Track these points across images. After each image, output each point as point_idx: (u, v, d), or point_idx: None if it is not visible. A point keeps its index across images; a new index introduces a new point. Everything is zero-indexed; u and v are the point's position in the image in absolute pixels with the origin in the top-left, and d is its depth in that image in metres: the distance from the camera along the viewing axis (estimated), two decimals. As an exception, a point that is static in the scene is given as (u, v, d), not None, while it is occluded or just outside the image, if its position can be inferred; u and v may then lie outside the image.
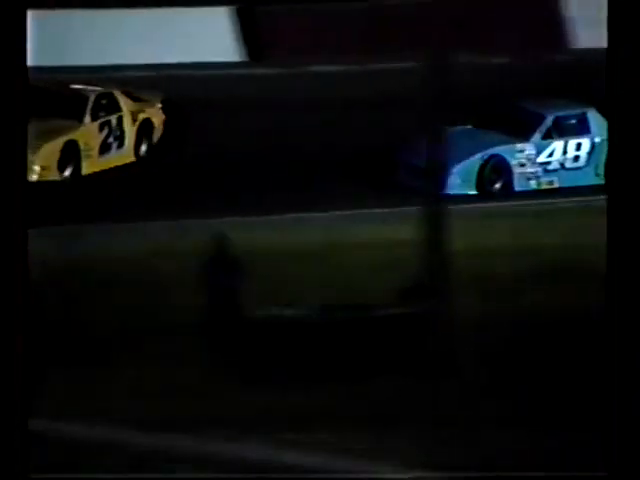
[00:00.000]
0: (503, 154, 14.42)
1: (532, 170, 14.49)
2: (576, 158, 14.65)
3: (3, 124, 7.08)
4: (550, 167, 14.60)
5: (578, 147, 14.70)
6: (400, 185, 14.69)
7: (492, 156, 14.39)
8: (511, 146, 14.54)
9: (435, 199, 10.63)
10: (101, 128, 16.91)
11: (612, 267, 6.66)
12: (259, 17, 22.95)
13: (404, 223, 12.69)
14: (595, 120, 14.68)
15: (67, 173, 16.47)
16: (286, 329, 10.76)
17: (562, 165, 14.62)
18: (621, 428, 6.42)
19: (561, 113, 14.98)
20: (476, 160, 14.32)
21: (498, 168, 14.40)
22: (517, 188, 14.65)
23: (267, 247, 13.47)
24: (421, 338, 10.55)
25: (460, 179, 14.11)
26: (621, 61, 7.06)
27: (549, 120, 14.81)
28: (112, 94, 17.38)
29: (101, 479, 8.66)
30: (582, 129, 14.82)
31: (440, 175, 10.90)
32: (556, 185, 14.74)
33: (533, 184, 14.69)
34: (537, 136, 14.64)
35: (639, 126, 6.90)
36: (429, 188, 10.76)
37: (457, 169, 14.00)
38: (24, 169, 7.38)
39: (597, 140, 14.64)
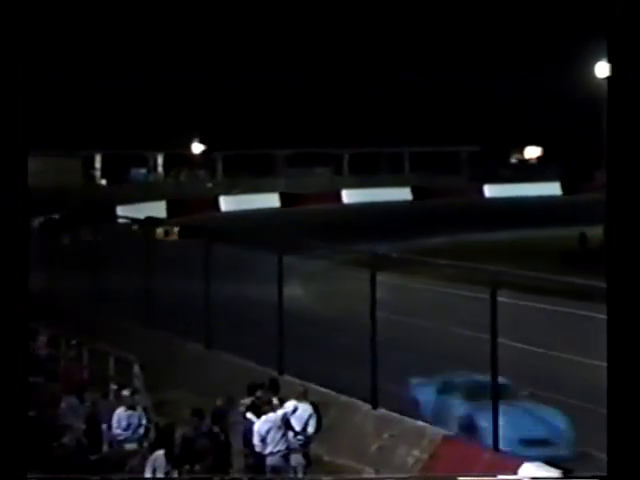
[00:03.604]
0: None
1: None
2: None
3: (4, 128, 7.09)
4: None
5: None
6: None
7: None
8: None
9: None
10: None
11: (612, 268, 6.65)
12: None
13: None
14: None
15: None
16: None
17: None
18: (621, 428, 6.36)
19: None
20: None
21: None
22: None
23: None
24: None
25: None
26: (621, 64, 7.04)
27: None
28: None
29: (100, 479, 8.73)
30: None
31: None
32: None
33: None
34: None
35: (637, 124, 6.86)
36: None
37: None
38: (25, 172, 7.35)
39: None
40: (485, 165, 63.92)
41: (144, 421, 13.45)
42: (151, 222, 24.75)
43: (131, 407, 13.50)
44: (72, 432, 13.04)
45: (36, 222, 30.66)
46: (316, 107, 62.23)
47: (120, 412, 13.44)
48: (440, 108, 63.56)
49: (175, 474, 11.22)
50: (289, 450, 12.72)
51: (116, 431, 13.32)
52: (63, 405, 13.74)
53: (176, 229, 27.23)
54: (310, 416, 13.17)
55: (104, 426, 13.40)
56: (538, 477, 8.74)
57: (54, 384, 14.68)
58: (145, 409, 13.85)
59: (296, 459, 12.84)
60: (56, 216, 34.16)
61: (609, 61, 7.15)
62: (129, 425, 13.34)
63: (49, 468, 11.12)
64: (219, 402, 13.17)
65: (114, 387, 14.87)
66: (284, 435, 12.63)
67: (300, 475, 12.76)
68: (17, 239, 6.99)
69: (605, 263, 6.85)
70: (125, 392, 13.86)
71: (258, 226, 37.27)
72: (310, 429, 13.14)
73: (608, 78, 7.21)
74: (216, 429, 12.50)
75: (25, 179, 7.20)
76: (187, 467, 11.04)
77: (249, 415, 13.00)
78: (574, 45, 50.50)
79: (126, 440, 13.24)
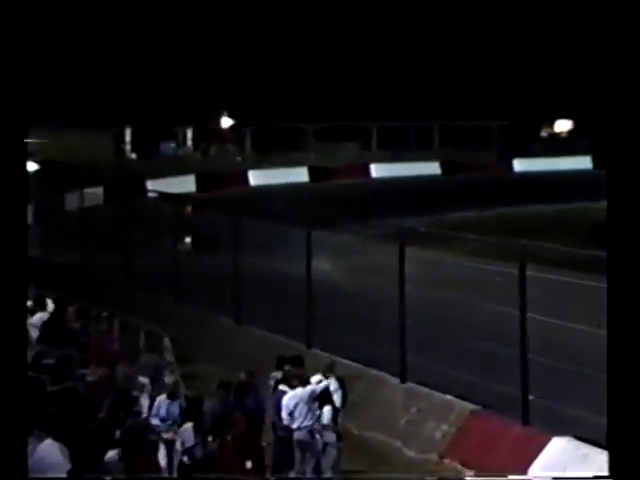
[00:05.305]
0: None
1: None
2: None
3: (4, 125, 6.98)
4: None
5: None
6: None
7: None
8: None
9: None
10: None
11: (612, 270, 6.54)
12: None
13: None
14: None
15: None
16: None
17: None
18: (622, 428, 6.24)
19: None
20: None
21: None
22: None
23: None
24: None
25: None
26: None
27: None
28: None
29: (100, 479, 8.82)
30: None
31: None
32: None
33: None
34: None
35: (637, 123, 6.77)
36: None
37: None
38: (25, 170, 7.25)
39: None
40: (515, 139, 63.57)
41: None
42: (171, 198, 24.86)
43: (171, 395, 12.76)
44: (105, 405, 13.05)
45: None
46: (345, 81, 62.08)
47: (162, 399, 12.83)
48: (469, 82, 63.20)
49: (204, 446, 11.32)
50: (316, 425, 12.70)
51: (154, 420, 12.60)
52: (95, 378, 13.73)
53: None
54: (334, 391, 13.11)
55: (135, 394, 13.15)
56: (549, 477, 8.77)
57: (85, 356, 14.80)
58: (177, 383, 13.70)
59: (324, 435, 12.82)
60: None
61: (609, 60, 7.05)
62: (169, 414, 12.64)
63: (83, 442, 11.22)
64: (242, 376, 13.05)
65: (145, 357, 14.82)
66: (310, 410, 12.63)
67: (329, 448, 12.79)
68: (17, 226, 6.85)
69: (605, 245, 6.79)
70: (168, 379, 13.46)
71: (287, 200, 37.31)
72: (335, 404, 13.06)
73: (607, 78, 7.13)
74: (246, 401, 12.52)
75: (24, 162, 7.05)
76: (218, 440, 11.09)
77: (282, 387, 12.98)
78: (604, 18, 49.90)
79: (164, 432, 12.38)
